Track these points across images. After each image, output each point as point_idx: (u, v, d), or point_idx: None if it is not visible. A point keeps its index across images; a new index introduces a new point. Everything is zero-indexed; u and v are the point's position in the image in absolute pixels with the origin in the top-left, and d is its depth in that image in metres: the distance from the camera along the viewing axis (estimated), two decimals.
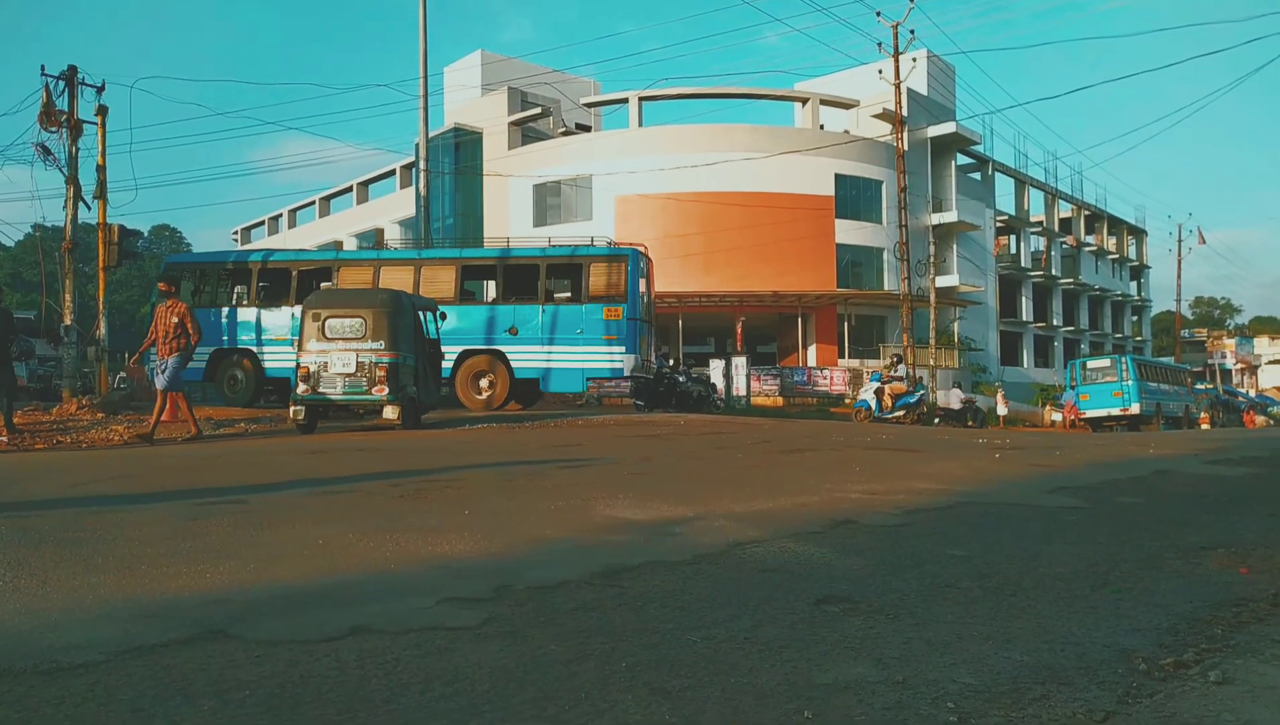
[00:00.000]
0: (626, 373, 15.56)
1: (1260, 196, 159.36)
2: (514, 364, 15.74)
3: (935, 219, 40.71)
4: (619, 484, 6.48)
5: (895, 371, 20.94)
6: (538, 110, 41.37)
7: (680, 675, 2.46)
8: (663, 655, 2.63)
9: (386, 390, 11.40)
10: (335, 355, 11.38)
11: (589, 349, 15.57)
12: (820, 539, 4.42)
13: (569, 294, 16.48)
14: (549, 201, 39.57)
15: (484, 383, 15.82)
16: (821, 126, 39.79)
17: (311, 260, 18.25)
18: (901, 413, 19.09)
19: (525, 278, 16.49)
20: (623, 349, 15.48)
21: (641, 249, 16.49)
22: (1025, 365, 49.65)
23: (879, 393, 19.56)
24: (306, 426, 11.49)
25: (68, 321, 15.35)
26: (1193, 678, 2.49)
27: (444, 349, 13.96)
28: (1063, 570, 3.84)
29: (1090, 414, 29.12)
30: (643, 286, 16.26)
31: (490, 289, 17.18)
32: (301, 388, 11.40)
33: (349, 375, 11.36)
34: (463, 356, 15.77)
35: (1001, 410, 31.86)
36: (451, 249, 17.41)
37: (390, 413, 11.48)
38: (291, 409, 11.60)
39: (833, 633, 2.88)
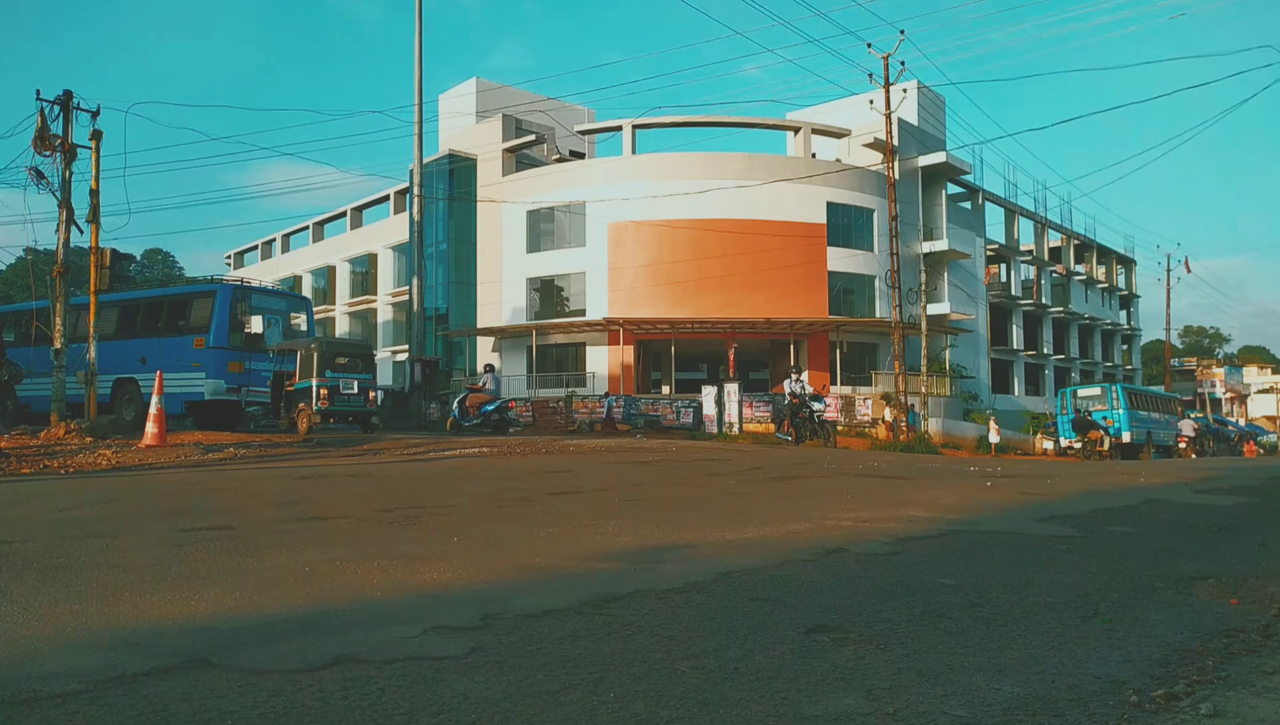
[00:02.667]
0: (207, 396, 17.33)
1: (1245, 226, 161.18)
2: (144, 390, 17.49)
3: (926, 247, 40.97)
4: (610, 511, 6.45)
5: (479, 382, 21.82)
6: (532, 137, 41.64)
7: (668, 706, 2.43)
8: (651, 685, 2.60)
9: (376, 404, 17.81)
10: (343, 380, 16.82)
11: (184, 375, 17.48)
12: (811, 567, 4.40)
13: (180, 328, 18.35)
14: (542, 227, 39.72)
15: (132, 407, 17.76)
16: (813, 155, 40.13)
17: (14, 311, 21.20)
18: (479, 421, 20.46)
19: (155, 314, 18.68)
20: (203, 375, 17.34)
21: (241, 281, 19.01)
22: (1016, 393, 49.80)
23: (462, 402, 20.90)
24: (320, 427, 16.54)
25: (58, 345, 15.27)
26: (1184, 710, 2.48)
27: (103, 379, 16.65)
28: (1054, 600, 3.83)
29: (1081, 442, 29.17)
30: (258, 321, 18.08)
31: (142, 326, 19.14)
32: (320, 403, 16.45)
33: (354, 394, 16.97)
34: (117, 384, 18.03)
35: (994, 438, 31.90)
36: (124, 292, 19.80)
37: (376, 420, 18.14)
38: (309, 416, 16.39)
39: (823, 663, 2.85)
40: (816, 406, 19.39)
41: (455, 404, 21.18)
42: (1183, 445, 32.19)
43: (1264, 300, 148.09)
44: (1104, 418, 29.31)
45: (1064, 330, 55.48)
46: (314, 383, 16.36)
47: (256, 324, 18.15)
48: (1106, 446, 26.83)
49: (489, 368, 23.01)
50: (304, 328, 19.71)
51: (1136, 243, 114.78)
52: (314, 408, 16.29)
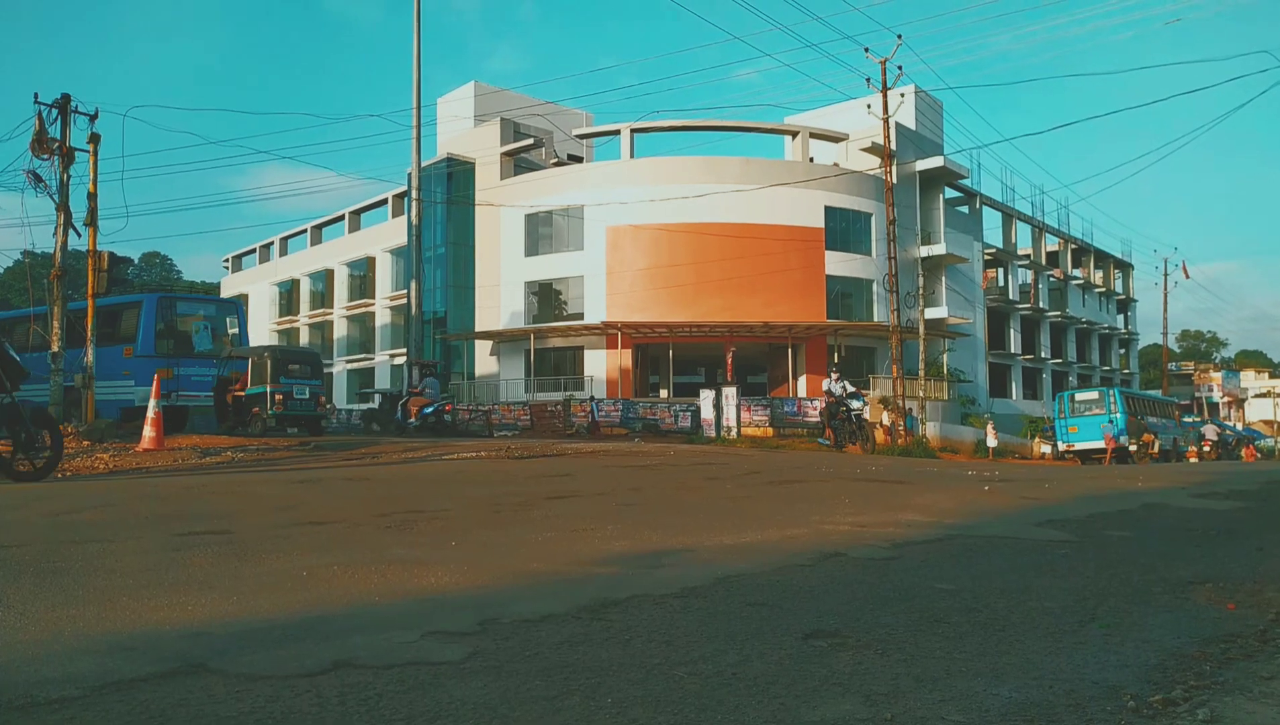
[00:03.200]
0: (137, 403, 17.37)
1: (1242, 230, 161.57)
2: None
3: (924, 251, 41.03)
4: (608, 515, 6.45)
5: (420, 386, 23.06)
6: (530, 141, 41.67)
7: (666, 712, 2.43)
8: (648, 691, 2.60)
9: (325, 409, 19.47)
10: (295, 386, 17.72)
11: (117, 383, 17.83)
12: (809, 572, 4.40)
13: (111, 337, 18.55)
14: (540, 231, 39.74)
15: (76, 413, 18.13)
16: (811, 159, 40.19)
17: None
18: (419, 423, 21.76)
19: (97, 323, 18.81)
20: (133, 382, 17.66)
21: (165, 293, 19.41)
22: (1014, 397, 49.84)
23: (405, 406, 22.40)
24: (277, 430, 17.32)
25: (55, 349, 15.26)
26: (1181, 715, 2.48)
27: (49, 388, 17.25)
28: (1051, 605, 3.83)
29: (1079, 447, 29.22)
30: (186, 329, 18.80)
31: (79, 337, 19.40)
32: (274, 408, 17.22)
33: (305, 400, 17.89)
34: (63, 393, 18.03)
35: (991, 442, 31.92)
36: (75, 302, 19.73)
37: (324, 423, 19.34)
38: (264, 418, 17.16)
39: (821, 668, 2.85)
40: (855, 405, 18.40)
41: (399, 408, 22.64)
42: (1206, 448, 34.67)
43: (1261, 304, 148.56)
44: (1104, 422, 29.35)
45: (1061, 334, 55.55)
46: (268, 388, 17.24)
47: (185, 331, 18.83)
48: (1157, 448, 28.83)
49: (428, 373, 24.39)
50: (236, 331, 20.01)
51: (1134, 247, 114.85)
52: (268, 412, 17.07)
